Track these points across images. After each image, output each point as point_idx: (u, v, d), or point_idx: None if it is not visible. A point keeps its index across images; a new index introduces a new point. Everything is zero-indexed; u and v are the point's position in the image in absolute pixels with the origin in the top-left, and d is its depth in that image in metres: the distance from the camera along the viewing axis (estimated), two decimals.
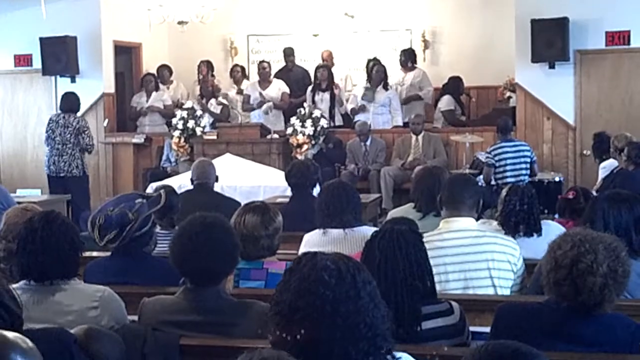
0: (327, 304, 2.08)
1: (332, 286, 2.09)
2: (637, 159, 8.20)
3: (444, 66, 13.19)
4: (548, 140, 11.39)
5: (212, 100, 12.46)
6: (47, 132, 10.90)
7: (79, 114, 11.08)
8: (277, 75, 12.90)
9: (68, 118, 10.74)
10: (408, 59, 12.59)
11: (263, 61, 12.86)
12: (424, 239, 3.61)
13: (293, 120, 11.34)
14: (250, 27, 14.19)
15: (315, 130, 11.22)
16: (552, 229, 5.17)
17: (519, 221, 5.11)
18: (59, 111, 10.90)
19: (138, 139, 12.40)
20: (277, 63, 13.37)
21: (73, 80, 12.57)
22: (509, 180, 9.49)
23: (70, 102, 10.88)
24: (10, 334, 2.16)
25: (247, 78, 13.30)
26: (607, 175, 8.63)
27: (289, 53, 13.16)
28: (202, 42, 13.67)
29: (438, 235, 4.43)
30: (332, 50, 13.39)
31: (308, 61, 13.48)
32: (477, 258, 4.36)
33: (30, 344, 2.18)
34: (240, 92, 12.93)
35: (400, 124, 12.03)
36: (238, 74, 13.18)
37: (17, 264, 3.70)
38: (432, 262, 3.51)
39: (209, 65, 13.34)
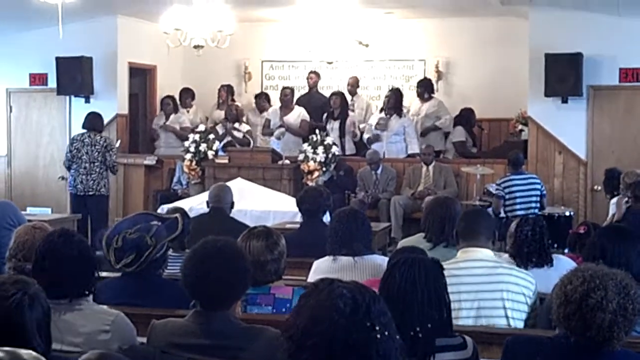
0: (339, 332, 2.05)
1: (347, 314, 2.07)
2: None
3: (457, 97, 13.22)
4: (559, 174, 11.39)
5: (236, 124, 12.53)
6: (71, 151, 10.84)
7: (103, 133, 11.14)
8: (298, 101, 12.96)
9: (94, 137, 10.75)
10: (425, 89, 12.61)
11: (286, 88, 12.95)
12: None
13: (305, 146, 11.37)
14: (264, 53, 14.27)
15: (326, 157, 11.24)
16: (562, 262, 5.17)
17: (531, 251, 5.12)
18: (83, 130, 10.91)
19: (150, 160, 12.46)
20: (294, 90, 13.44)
21: (87, 101, 12.65)
22: (518, 212, 9.53)
23: (94, 122, 10.91)
24: (24, 352, 2.19)
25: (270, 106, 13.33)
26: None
27: (313, 74, 13.31)
28: (217, 67, 13.73)
29: (455, 264, 4.47)
30: (354, 77, 13.41)
31: (322, 89, 13.55)
32: (491, 288, 4.38)
33: None
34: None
35: (417, 151, 11.93)
36: (263, 102, 13.22)
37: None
38: None
39: (229, 89, 13.46)
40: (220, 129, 12.39)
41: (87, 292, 3.74)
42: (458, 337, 3.44)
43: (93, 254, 3.83)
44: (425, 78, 13.00)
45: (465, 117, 12.50)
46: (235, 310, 3.64)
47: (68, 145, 11.03)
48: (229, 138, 12.33)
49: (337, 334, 2.06)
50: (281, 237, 4.47)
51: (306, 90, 13.42)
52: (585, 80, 11.03)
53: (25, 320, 2.87)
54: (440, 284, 3.43)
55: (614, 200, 9.09)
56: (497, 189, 9.84)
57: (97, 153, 10.70)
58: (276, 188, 10.60)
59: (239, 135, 12.40)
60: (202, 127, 12.16)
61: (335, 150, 11.38)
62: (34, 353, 2.22)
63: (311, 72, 13.37)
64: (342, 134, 12.39)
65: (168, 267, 4.64)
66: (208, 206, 7.14)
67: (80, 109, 12.33)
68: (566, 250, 6.61)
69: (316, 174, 11.18)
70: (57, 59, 12.39)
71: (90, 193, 10.71)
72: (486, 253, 4.56)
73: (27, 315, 2.88)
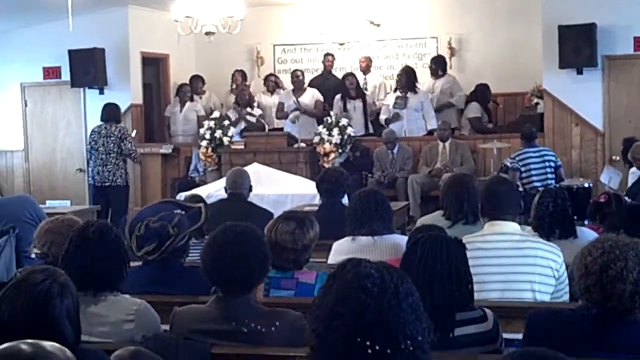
0: (367, 312, 2.01)
1: (374, 294, 2.03)
2: None
3: (471, 73, 13.14)
4: (577, 146, 11.33)
5: (248, 109, 12.52)
6: (89, 143, 11.01)
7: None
8: (311, 83, 12.95)
9: (110, 128, 10.82)
10: (438, 66, 12.55)
11: (296, 70, 12.92)
12: (466, 241, 3.61)
13: (320, 128, 11.35)
14: (276, 37, 14.24)
15: (342, 139, 11.21)
16: (586, 234, 5.14)
17: (553, 222, 5.08)
18: (101, 122, 10.98)
19: (166, 149, 12.48)
20: (307, 72, 13.42)
21: (101, 92, 12.66)
22: (535, 184, 9.60)
23: (111, 113, 10.97)
24: (48, 344, 2.16)
25: (280, 87, 13.32)
26: (636, 182, 8.56)
27: (330, 57, 13.30)
28: (229, 52, 13.72)
29: (481, 237, 4.45)
30: (366, 57, 13.34)
31: (335, 70, 13.51)
32: (518, 262, 4.34)
33: (69, 354, 2.18)
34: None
35: (435, 127, 11.81)
36: (272, 83, 13.24)
37: (64, 270, 3.63)
38: (472, 263, 3.50)
39: (243, 74, 13.45)
40: (232, 115, 12.36)
41: (115, 287, 3.75)
42: (478, 310, 3.44)
43: (125, 252, 3.83)
44: (438, 55, 12.93)
45: (480, 93, 12.43)
46: (257, 294, 3.65)
47: (88, 138, 11.11)
48: (243, 123, 12.32)
49: (365, 314, 2.01)
50: (313, 228, 4.42)
51: (320, 72, 13.37)
52: (600, 50, 10.95)
53: (55, 308, 2.88)
54: (462, 263, 3.42)
55: (633, 169, 9.06)
56: (512, 162, 9.85)
57: (112, 144, 10.76)
58: (292, 171, 10.58)
59: (253, 119, 12.38)
60: (216, 114, 12.14)
61: (350, 131, 11.33)
62: (57, 345, 2.19)
63: (328, 54, 13.30)
64: (365, 113, 12.35)
65: (189, 255, 4.65)
66: (226, 192, 7.13)
67: (94, 100, 12.35)
68: (586, 222, 6.59)
69: (332, 155, 11.15)
70: (70, 51, 12.41)
71: (107, 184, 10.80)
72: (514, 227, 4.51)
73: (57, 303, 2.89)
